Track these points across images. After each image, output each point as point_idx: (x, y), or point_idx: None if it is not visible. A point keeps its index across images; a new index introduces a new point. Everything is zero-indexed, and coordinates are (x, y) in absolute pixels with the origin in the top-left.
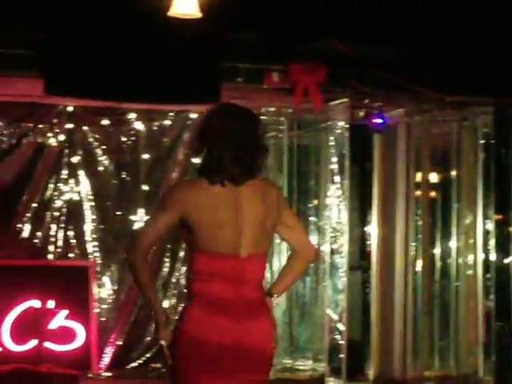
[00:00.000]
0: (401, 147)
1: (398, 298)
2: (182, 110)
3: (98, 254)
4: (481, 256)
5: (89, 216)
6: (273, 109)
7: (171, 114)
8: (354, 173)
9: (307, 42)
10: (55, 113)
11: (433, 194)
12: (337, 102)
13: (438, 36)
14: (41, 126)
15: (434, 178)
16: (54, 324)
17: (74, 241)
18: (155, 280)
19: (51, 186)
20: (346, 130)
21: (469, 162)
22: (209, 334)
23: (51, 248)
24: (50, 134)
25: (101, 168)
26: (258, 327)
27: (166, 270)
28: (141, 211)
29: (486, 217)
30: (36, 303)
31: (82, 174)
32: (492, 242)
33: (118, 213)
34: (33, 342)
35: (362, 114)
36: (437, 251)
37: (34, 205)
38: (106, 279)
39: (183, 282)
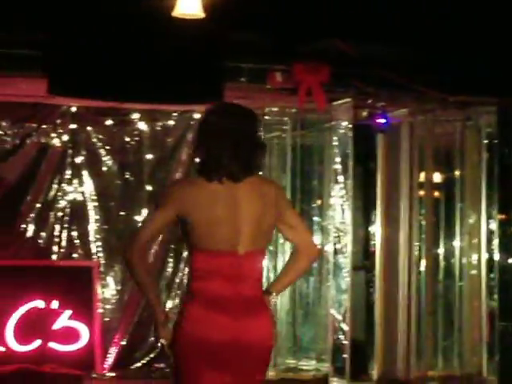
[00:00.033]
0: (404, 147)
1: (401, 297)
2: (186, 111)
3: (101, 255)
4: (484, 256)
5: (92, 216)
6: (276, 109)
7: (175, 114)
8: (358, 173)
9: (310, 41)
10: (59, 113)
11: (436, 193)
12: (340, 101)
13: (441, 36)
14: (44, 126)
15: (437, 177)
16: (57, 324)
17: (78, 241)
18: (155, 279)
19: (55, 186)
20: (349, 130)
21: (472, 161)
22: (208, 331)
23: (55, 248)
24: (53, 135)
25: (104, 168)
26: (256, 325)
27: (169, 270)
28: (144, 211)
29: (489, 216)
30: (40, 303)
31: (85, 174)
32: (496, 242)
33: (122, 213)
34: (36, 342)
35: (365, 113)
36: (440, 251)
37: (38, 205)
38: (109, 279)
39: None
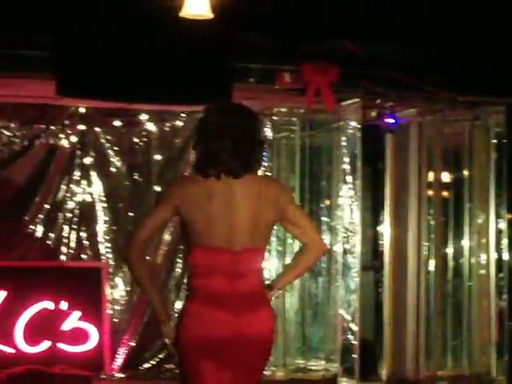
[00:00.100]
0: (413, 147)
1: (410, 297)
2: (194, 111)
3: (110, 255)
4: (493, 255)
5: (101, 217)
6: (284, 109)
7: (183, 114)
8: (366, 173)
9: (318, 42)
10: (67, 114)
11: (445, 193)
12: (349, 102)
13: (450, 36)
14: (53, 127)
15: (446, 177)
16: (66, 325)
17: (87, 242)
18: (155, 277)
19: (63, 187)
20: (357, 130)
21: (481, 161)
22: (209, 328)
23: (64, 249)
24: (62, 136)
25: (113, 169)
26: (256, 319)
27: (178, 270)
28: None
29: (498, 216)
30: (49, 304)
31: (94, 175)
32: (505, 242)
33: (131, 214)
34: (46, 344)
35: (373, 114)
36: (449, 251)
37: (47, 206)
38: (118, 280)
39: None
